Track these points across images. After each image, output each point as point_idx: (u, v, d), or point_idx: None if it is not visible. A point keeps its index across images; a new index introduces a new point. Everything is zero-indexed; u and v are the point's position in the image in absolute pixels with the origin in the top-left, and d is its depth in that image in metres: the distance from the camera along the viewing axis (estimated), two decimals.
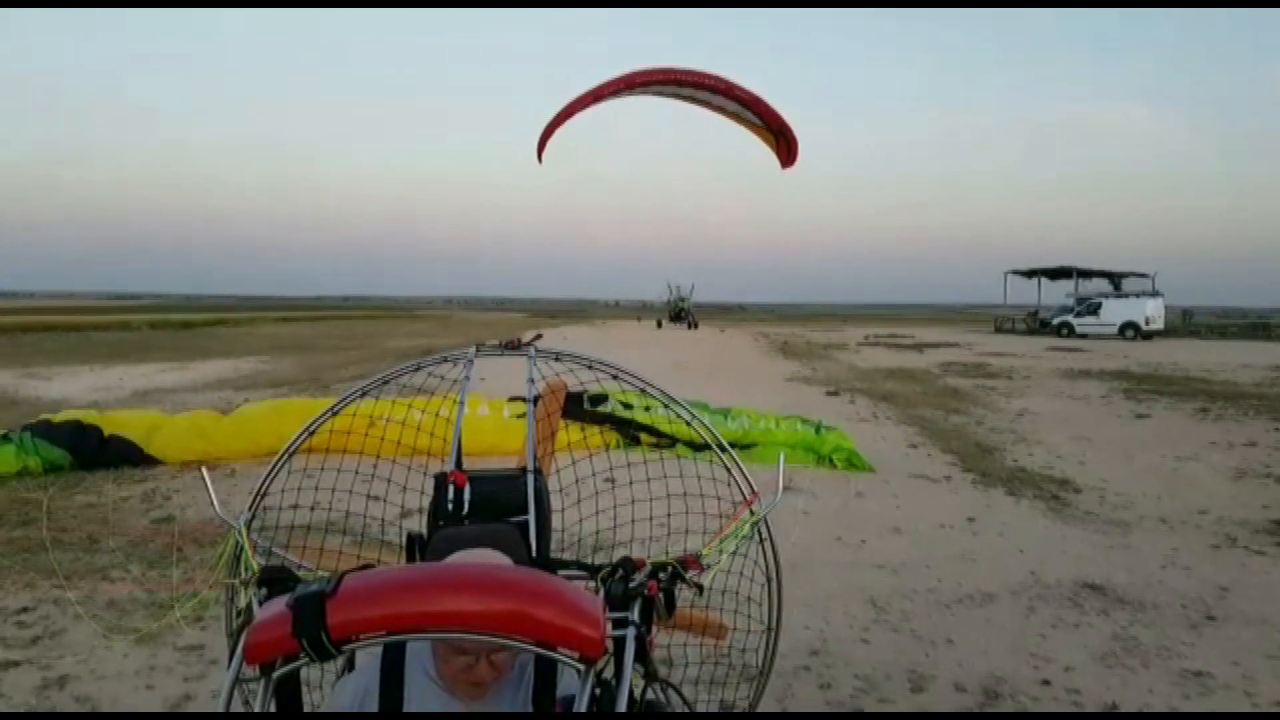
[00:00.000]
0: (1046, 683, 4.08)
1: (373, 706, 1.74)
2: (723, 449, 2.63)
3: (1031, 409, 14.52)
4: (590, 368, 2.69)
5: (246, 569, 2.05)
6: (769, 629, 2.71)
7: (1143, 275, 46.06)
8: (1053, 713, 3.79)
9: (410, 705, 1.73)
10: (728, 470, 2.59)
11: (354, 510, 3.03)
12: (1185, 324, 52.76)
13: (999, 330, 48.99)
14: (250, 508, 2.39)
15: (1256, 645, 4.58)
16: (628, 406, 9.16)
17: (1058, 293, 49.81)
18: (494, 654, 1.61)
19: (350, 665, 2.11)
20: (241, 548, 2.14)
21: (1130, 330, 41.25)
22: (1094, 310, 43.04)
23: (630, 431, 9.04)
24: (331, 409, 2.58)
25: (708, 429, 2.66)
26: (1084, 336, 41.04)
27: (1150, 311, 41.87)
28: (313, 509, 3.03)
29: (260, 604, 1.54)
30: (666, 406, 2.74)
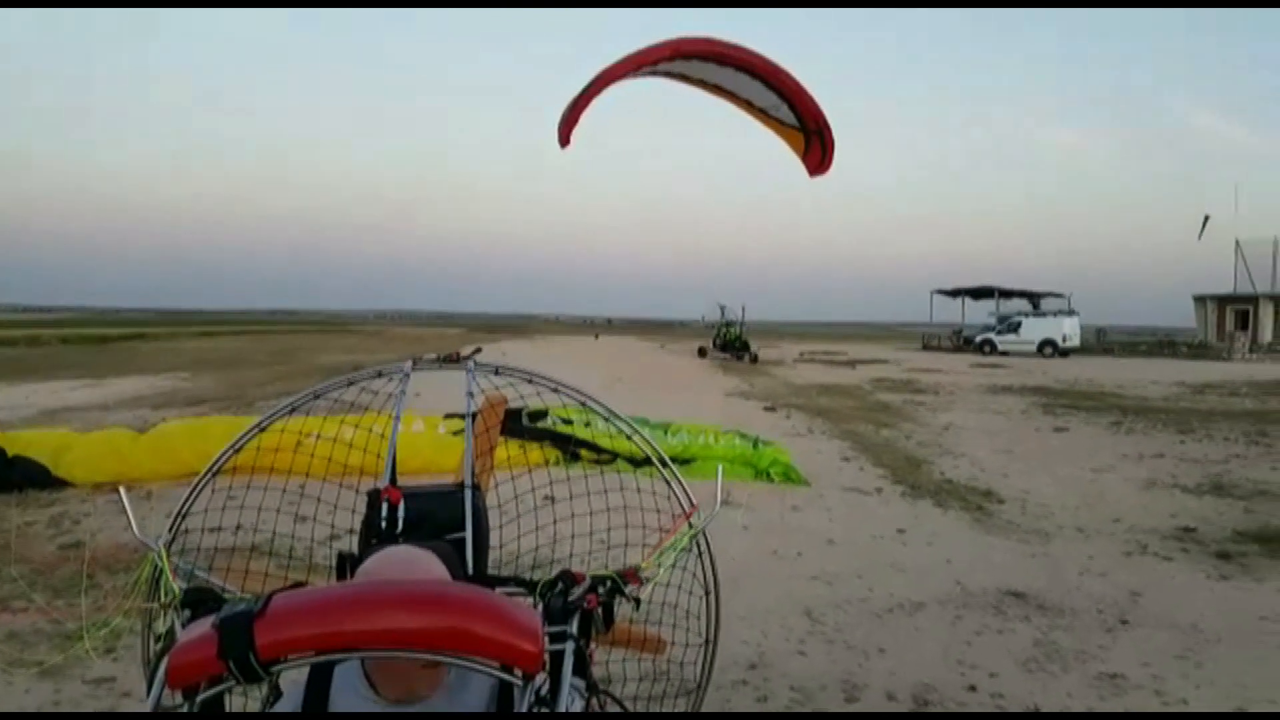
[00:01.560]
0: (973, 689, 4.21)
1: None
2: (663, 463, 2.63)
3: (957, 423, 15.04)
4: (530, 382, 2.67)
5: (167, 593, 1.96)
6: (707, 642, 2.73)
7: (1059, 295, 48.43)
8: (980, 712, 3.90)
9: None
10: (668, 484, 2.60)
11: (281, 531, 2.93)
12: (1100, 342, 55.56)
13: (926, 347, 50.66)
14: (171, 529, 2.28)
15: (1166, 647, 4.82)
16: (567, 422, 9.11)
17: (980, 312, 52.02)
18: None
19: (276, 692, 2.03)
20: (161, 571, 2.04)
21: (1048, 348, 43.22)
22: (1014, 328, 45.01)
23: (570, 447, 8.98)
24: (259, 424, 2.49)
25: (648, 443, 2.66)
26: (1005, 354, 42.78)
27: (1067, 330, 44.02)
28: (237, 530, 2.91)
29: (184, 626, 1.47)
30: (607, 421, 2.74)
